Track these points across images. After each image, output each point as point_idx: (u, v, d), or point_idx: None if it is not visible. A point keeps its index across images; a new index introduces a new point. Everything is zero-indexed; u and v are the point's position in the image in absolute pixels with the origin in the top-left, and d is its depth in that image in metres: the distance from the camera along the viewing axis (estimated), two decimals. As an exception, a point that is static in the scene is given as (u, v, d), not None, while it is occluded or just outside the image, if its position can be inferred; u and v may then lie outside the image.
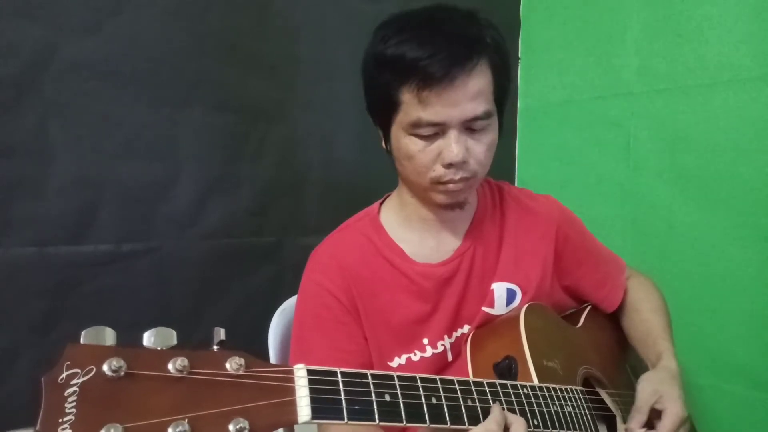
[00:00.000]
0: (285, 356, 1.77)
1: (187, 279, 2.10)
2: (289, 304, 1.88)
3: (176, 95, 2.06)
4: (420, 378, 1.15)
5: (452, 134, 1.47)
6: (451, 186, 1.54)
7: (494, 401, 1.25)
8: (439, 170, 1.51)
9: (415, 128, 1.48)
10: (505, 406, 1.26)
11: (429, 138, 1.49)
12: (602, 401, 1.70)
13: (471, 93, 1.45)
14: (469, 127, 1.49)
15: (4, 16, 1.75)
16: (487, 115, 1.50)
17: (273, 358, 1.80)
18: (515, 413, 1.27)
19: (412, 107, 1.46)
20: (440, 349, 1.67)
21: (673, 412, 1.53)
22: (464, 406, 1.18)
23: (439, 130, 1.47)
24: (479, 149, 1.53)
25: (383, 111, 1.55)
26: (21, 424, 1.76)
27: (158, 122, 2.03)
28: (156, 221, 2.04)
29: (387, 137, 1.60)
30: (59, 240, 1.86)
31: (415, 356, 1.66)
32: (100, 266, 1.93)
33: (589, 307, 1.94)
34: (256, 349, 1.74)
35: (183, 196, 2.09)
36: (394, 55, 1.46)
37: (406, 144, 1.51)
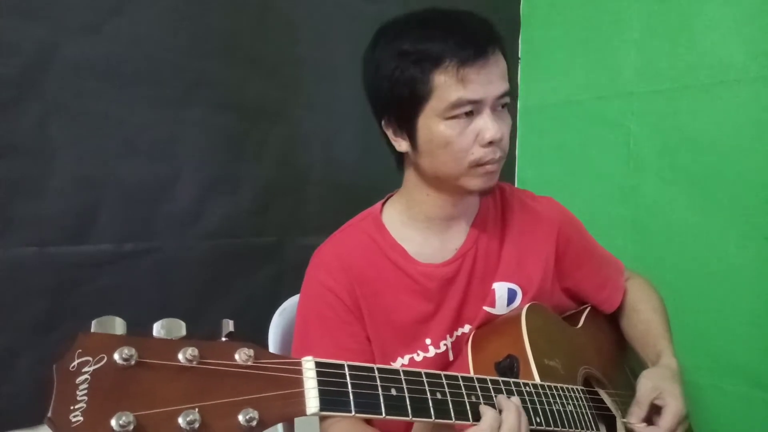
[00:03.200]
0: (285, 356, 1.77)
1: (188, 279, 2.09)
2: (290, 304, 1.88)
3: (177, 95, 2.06)
4: (425, 373, 1.15)
5: (487, 112, 1.51)
6: (489, 167, 1.56)
7: (498, 397, 1.25)
8: (478, 152, 1.52)
9: (453, 109, 1.48)
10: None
11: (465, 120, 1.50)
12: (602, 401, 1.70)
13: (501, 71, 1.53)
14: (496, 106, 1.53)
15: (4, 16, 1.74)
16: (509, 92, 1.56)
17: (273, 358, 1.80)
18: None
19: (449, 88, 1.47)
20: (442, 348, 1.68)
21: (673, 408, 1.55)
22: (468, 402, 1.19)
23: (474, 109, 1.49)
24: (505, 128, 1.57)
25: (407, 105, 1.54)
26: (21, 424, 1.76)
27: (159, 122, 2.02)
28: (157, 221, 2.03)
29: (411, 133, 1.58)
30: (60, 240, 1.86)
31: (418, 356, 1.67)
32: (100, 266, 1.92)
33: (588, 308, 1.95)
34: (256, 349, 1.75)
35: (184, 195, 2.08)
36: (420, 47, 1.49)
37: (442, 131, 1.51)
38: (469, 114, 1.49)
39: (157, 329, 0.88)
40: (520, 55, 3.16)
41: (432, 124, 1.52)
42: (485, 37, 1.50)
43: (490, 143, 1.51)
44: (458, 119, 1.49)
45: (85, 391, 0.78)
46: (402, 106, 1.56)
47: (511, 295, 1.74)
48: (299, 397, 0.93)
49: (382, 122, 1.65)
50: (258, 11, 2.23)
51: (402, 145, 1.63)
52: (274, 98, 2.29)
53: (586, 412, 1.52)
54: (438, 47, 1.46)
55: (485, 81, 1.47)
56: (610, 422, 1.69)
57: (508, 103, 1.57)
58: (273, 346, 1.81)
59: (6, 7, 1.74)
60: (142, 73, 1.99)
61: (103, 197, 1.92)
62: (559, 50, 3.01)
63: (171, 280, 2.06)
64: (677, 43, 2.56)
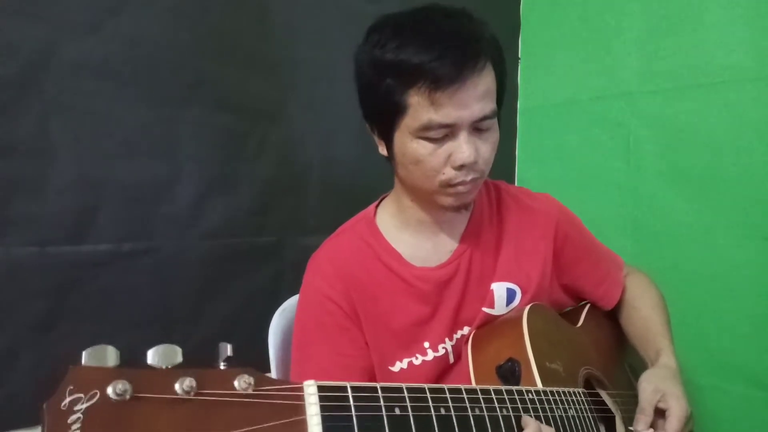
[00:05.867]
0: (285, 356, 1.78)
1: (187, 279, 2.10)
2: (290, 303, 1.88)
3: (176, 95, 2.06)
4: (429, 389, 1.14)
5: (462, 136, 1.47)
6: (461, 188, 1.54)
7: (501, 409, 1.25)
8: (449, 173, 1.50)
9: (425, 131, 1.46)
10: (512, 414, 1.26)
11: (438, 141, 1.47)
12: (602, 401, 1.70)
13: (480, 93, 1.45)
14: (476, 127, 1.49)
15: (4, 16, 1.74)
16: (493, 114, 1.50)
17: (273, 358, 1.81)
18: (520, 419, 1.27)
19: (421, 109, 1.44)
20: (441, 351, 1.67)
21: (677, 411, 1.54)
22: (472, 415, 1.18)
23: (448, 132, 1.46)
24: (486, 149, 1.53)
25: (386, 116, 1.53)
26: (21, 424, 1.77)
27: (158, 122, 2.02)
28: (156, 221, 2.03)
29: (389, 143, 1.58)
30: (59, 240, 1.86)
31: (417, 360, 1.66)
32: (100, 266, 1.92)
33: (588, 306, 1.95)
34: (256, 349, 1.75)
35: (183, 195, 2.08)
36: (396, 59, 1.45)
37: (414, 148, 1.49)
38: (444, 135, 1.47)
39: (152, 357, 0.85)
40: (520, 55, 3.16)
41: (406, 140, 1.51)
42: (466, 54, 1.43)
43: (462, 166, 1.49)
44: (430, 139, 1.48)
45: (78, 431, 0.76)
46: (380, 116, 1.57)
47: (510, 295, 1.73)
48: (301, 425, 0.91)
49: (367, 125, 1.65)
50: (257, 11, 2.22)
51: (383, 150, 1.63)
52: (274, 98, 2.29)
53: (588, 415, 1.52)
54: (414, 61, 1.42)
55: (459, 105, 1.43)
56: (609, 423, 1.69)
57: (491, 123, 1.53)
58: (273, 346, 1.82)
59: (6, 7, 1.74)
60: (142, 73, 1.98)
61: (102, 197, 1.92)
62: (559, 50, 3.00)
63: (170, 280, 2.06)
64: (677, 43, 2.56)
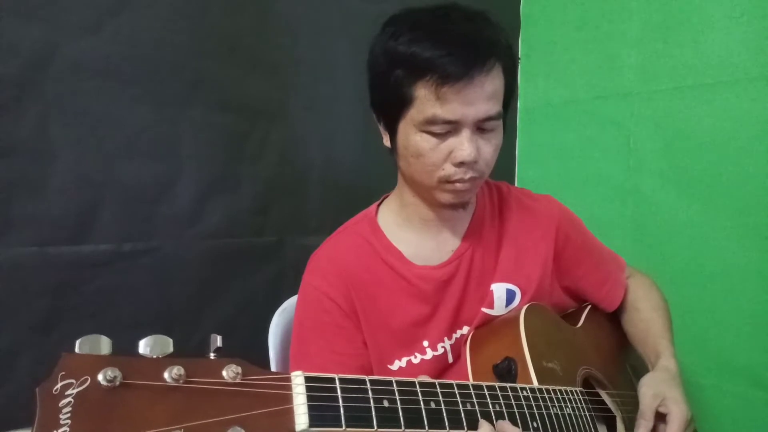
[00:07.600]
0: (285, 356, 1.77)
1: (187, 279, 2.09)
2: (290, 303, 1.88)
3: (177, 95, 2.05)
4: (419, 383, 1.14)
5: (465, 133, 1.47)
6: (458, 185, 1.54)
7: (493, 405, 1.24)
8: (448, 169, 1.51)
9: (428, 125, 1.47)
10: (504, 410, 1.26)
11: (441, 136, 1.48)
12: (602, 401, 1.70)
13: (487, 93, 1.46)
14: (480, 127, 1.49)
15: (4, 16, 1.74)
16: (498, 116, 1.51)
17: (273, 358, 1.81)
18: (515, 416, 1.28)
19: (427, 103, 1.45)
20: (440, 351, 1.67)
21: (678, 415, 1.54)
22: (463, 410, 1.18)
23: (452, 128, 1.47)
24: (488, 150, 1.53)
25: (392, 107, 1.53)
26: (21, 424, 1.76)
27: (159, 122, 2.02)
28: (157, 221, 2.03)
29: (393, 134, 1.58)
30: (60, 240, 1.85)
31: (416, 359, 1.66)
32: (100, 266, 1.92)
33: (589, 307, 1.94)
34: (256, 349, 1.74)
35: (184, 195, 2.08)
36: (408, 52, 1.45)
37: (417, 141, 1.50)
38: (447, 131, 1.48)
39: (143, 347, 0.86)
40: (520, 55, 3.16)
41: (409, 132, 1.51)
42: (476, 53, 1.44)
43: (462, 163, 1.50)
44: (433, 134, 1.48)
45: (69, 415, 0.76)
46: (387, 106, 1.57)
47: (510, 296, 1.73)
48: (288, 414, 0.92)
49: (374, 114, 1.66)
50: (258, 11, 2.22)
51: (387, 141, 1.64)
52: (274, 98, 2.29)
53: (585, 414, 1.51)
54: (425, 55, 1.43)
55: (465, 103, 1.43)
56: (610, 423, 1.69)
57: (496, 124, 1.53)
58: (273, 346, 1.82)
59: (6, 7, 1.74)
60: (142, 73, 1.98)
61: (103, 197, 1.92)
62: (559, 50, 3.01)
63: (171, 280, 2.06)
64: (677, 43, 2.56)
